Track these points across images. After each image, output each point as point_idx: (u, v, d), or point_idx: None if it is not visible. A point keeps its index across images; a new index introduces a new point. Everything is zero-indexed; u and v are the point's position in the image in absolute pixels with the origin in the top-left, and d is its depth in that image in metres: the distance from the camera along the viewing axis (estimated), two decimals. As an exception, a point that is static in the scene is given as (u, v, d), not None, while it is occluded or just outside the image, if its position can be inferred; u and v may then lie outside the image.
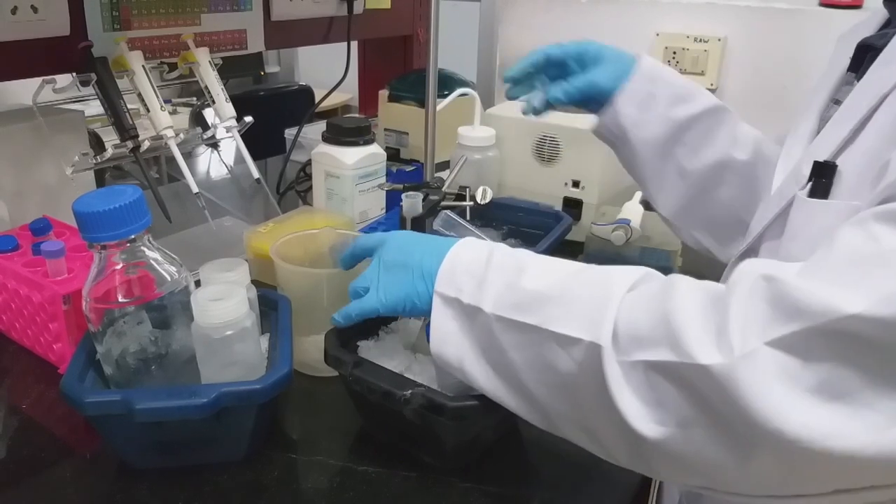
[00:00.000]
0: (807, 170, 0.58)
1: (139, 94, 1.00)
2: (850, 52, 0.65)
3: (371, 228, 1.11)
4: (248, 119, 1.10)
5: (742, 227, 0.76)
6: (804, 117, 0.66)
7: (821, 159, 0.57)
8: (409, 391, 0.62)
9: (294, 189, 1.38)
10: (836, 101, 0.64)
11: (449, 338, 0.61)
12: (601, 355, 0.50)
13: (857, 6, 1.32)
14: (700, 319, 0.46)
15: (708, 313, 0.46)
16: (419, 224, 0.93)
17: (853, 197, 0.54)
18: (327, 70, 1.62)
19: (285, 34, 1.37)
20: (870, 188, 0.51)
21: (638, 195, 1.15)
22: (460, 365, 0.60)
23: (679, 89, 0.80)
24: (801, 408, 0.42)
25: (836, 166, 0.55)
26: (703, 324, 0.46)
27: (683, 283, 0.50)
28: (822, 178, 0.56)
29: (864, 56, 0.63)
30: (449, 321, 0.60)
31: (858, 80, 0.61)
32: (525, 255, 0.61)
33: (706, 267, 0.84)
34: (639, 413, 0.49)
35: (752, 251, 0.66)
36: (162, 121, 0.99)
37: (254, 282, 0.76)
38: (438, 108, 1.10)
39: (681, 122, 0.79)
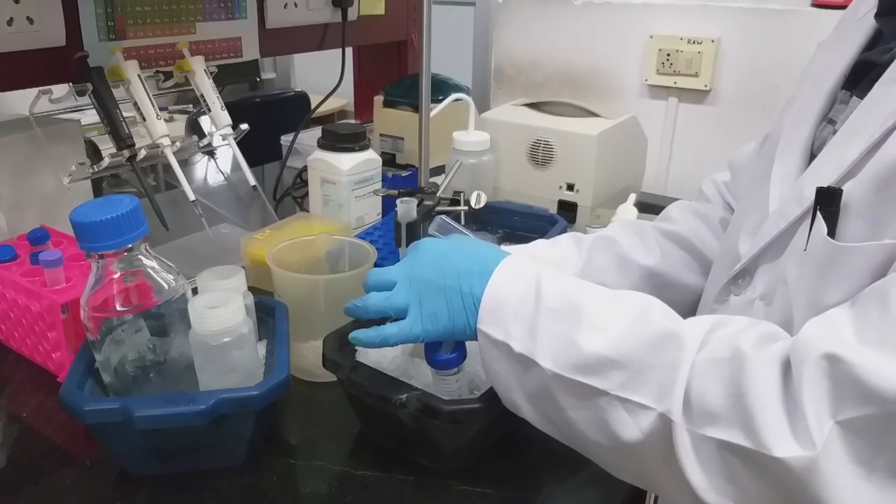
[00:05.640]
0: (809, 191, 0.54)
1: (135, 104, 1.00)
2: (841, 67, 0.61)
3: (367, 234, 1.11)
4: (244, 126, 1.11)
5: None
6: (795, 133, 0.62)
7: (824, 184, 0.53)
8: (405, 395, 0.63)
9: (291, 195, 1.39)
10: (830, 121, 0.61)
11: (499, 378, 0.59)
12: (671, 427, 0.49)
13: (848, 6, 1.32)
14: (773, 405, 0.46)
15: (781, 398, 0.46)
16: (414, 229, 0.94)
17: (868, 225, 0.50)
18: (323, 76, 1.62)
19: (280, 41, 1.38)
20: (892, 219, 0.49)
21: (632, 198, 1.16)
22: (512, 405, 0.60)
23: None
24: (873, 494, 0.43)
25: (841, 192, 0.52)
26: (777, 410, 0.46)
27: (753, 353, 0.48)
28: (829, 205, 0.52)
29: (860, 72, 0.59)
30: (497, 363, 0.59)
31: (859, 98, 0.57)
32: (575, 289, 0.58)
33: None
34: (709, 486, 0.49)
35: (746, 273, 0.62)
36: (158, 129, 1.00)
37: (251, 288, 0.76)
38: (433, 113, 1.10)
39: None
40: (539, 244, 0.83)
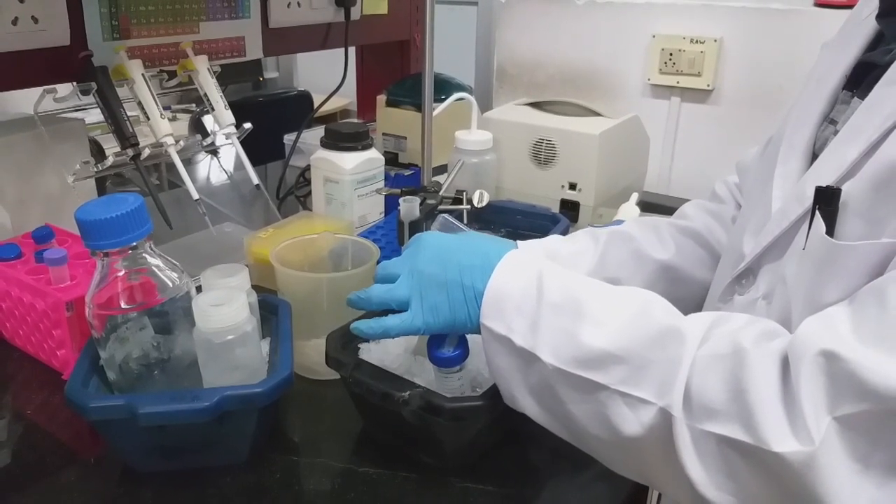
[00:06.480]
0: (810, 191, 0.54)
1: (139, 103, 1.01)
2: (843, 68, 0.61)
3: (370, 232, 1.12)
4: (247, 126, 1.11)
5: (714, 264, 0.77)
6: (797, 134, 0.63)
7: (825, 184, 0.53)
8: (408, 392, 0.63)
9: (294, 194, 1.39)
10: (831, 121, 0.61)
11: (501, 372, 0.60)
12: (671, 422, 0.50)
13: (852, 6, 1.32)
14: (772, 401, 0.46)
15: (780, 394, 0.46)
16: (417, 228, 0.94)
17: (866, 224, 0.51)
18: (326, 75, 1.63)
19: (283, 41, 1.38)
20: (890, 218, 0.49)
21: (634, 196, 1.16)
22: (513, 400, 0.60)
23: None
24: (869, 489, 0.43)
25: (839, 191, 0.52)
26: (776, 406, 0.46)
27: (753, 350, 0.49)
28: (828, 205, 0.53)
29: (861, 73, 0.59)
30: (499, 357, 0.59)
31: (860, 98, 0.57)
32: (577, 284, 0.59)
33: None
34: (709, 481, 0.49)
35: (749, 272, 0.63)
36: (162, 128, 1.00)
37: (254, 287, 0.77)
38: (435, 112, 1.11)
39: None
40: (555, 238, 0.84)
